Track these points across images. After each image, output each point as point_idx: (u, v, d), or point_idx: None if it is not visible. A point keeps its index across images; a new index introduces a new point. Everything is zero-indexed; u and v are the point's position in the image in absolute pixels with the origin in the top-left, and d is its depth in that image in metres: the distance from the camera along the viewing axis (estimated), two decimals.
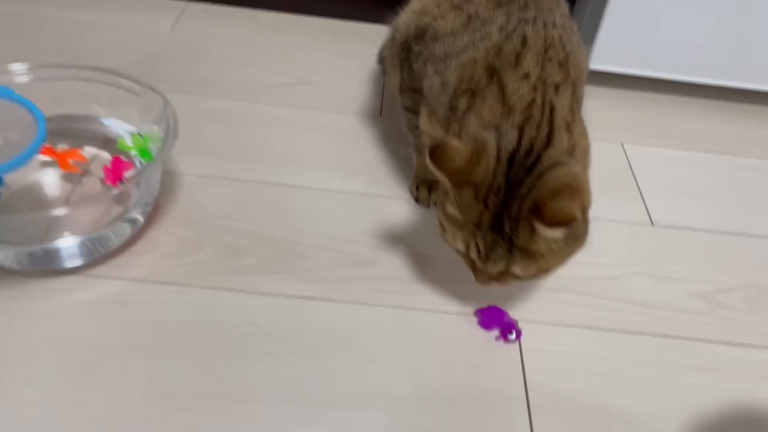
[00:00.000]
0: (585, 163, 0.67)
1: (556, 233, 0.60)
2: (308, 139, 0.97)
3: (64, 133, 0.81)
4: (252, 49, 1.16)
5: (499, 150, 0.63)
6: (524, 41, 0.68)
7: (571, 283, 0.80)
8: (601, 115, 1.09)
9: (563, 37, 0.71)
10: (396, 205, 0.88)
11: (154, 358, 0.66)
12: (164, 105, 0.76)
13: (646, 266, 0.84)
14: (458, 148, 0.62)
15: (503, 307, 0.75)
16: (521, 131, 0.63)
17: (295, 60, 1.15)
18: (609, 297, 0.79)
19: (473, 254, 0.65)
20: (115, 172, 0.77)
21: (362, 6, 1.28)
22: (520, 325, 0.73)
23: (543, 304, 0.77)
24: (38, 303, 0.70)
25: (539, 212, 0.59)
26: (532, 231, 0.60)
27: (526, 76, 0.66)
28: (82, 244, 0.72)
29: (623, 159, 1.02)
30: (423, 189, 0.88)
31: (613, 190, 0.96)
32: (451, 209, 0.64)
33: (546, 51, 0.68)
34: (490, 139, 0.63)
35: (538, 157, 0.62)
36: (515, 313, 0.75)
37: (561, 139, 0.64)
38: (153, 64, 1.08)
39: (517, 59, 0.67)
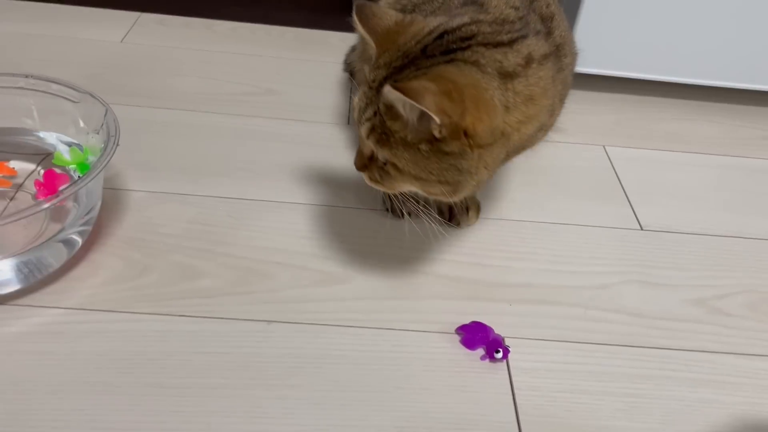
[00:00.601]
0: (516, 107, 0.58)
1: (399, 103, 0.53)
2: (271, 150, 0.90)
3: None
4: (209, 59, 1.09)
5: (438, 26, 0.58)
6: None
7: (558, 294, 0.73)
8: (580, 118, 1.05)
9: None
10: (366, 217, 0.81)
11: (92, 396, 0.57)
12: (105, 112, 0.69)
13: (637, 273, 0.78)
14: (388, 11, 0.60)
15: (487, 323, 0.68)
16: (475, 22, 0.59)
17: (257, 69, 1.08)
18: (600, 308, 0.73)
19: (356, 113, 0.61)
20: (48, 186, 0.69)
21: (325, 14, 1.22)
22: (507, 342, 0.67)
23: (530, 318, 0.70)
24: None
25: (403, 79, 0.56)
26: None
27: (515, 7, 0.61)
28: (17, 268, 0.64)
29: (606, 162, 0.96)
30: (396, 199, 0.81)
31: (598, 194, 0.90)
32: (366, 68, 0.60)
33: (532, 3, 0.64)
34: (439, 18, 0.59)
35: (468, 47, 0.57)
36: (500, 329, 0.68)
37: (507, 56, 0.58)
38: (101, 76, 1.00)
39: None
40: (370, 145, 0.60)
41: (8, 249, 0.64)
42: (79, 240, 0.68)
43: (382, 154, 0.59)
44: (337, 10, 1.21)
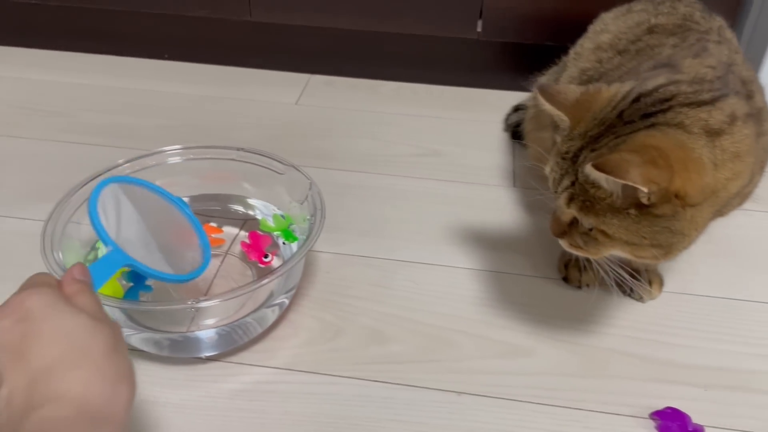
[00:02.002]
0: (724, 164, 0.57)
1: (602, 180, 0.55)
2: (441, 213, 0.93)
3: (206, 213, 0.81)
4: (376, 119, 1.15)
5: (631, 90, 0.59)
6: (705, 48, 0.64)
7: (757, 381, 0.70)
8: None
9: (745, 64, 0.66)
10: (543, 286, 0.82)
11: None
12: (309, 185, 0.74)
13: None
14: (569, 86, 0.61)
15: (681, 408, 0.66)
16: (673, 83, 0.58)
17: (420, 130, 1.12)
18: None
19: (550, 182, 0.62)
20: (255, 247, 0.75)
21: (482, 72, 1.25)
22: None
23: (726, 407, 0.67)
24: (179, 391, 0.67)
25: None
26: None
27: (712, 66, 0.61)
28: (224, 332, 0.70)
29: None
30: (573, 267, 0.81)
31: None
32: (557, 137, 0.61)
33: (730, 65, 0.63)
34: (629, 82, 0.60)
35: (669, 109, 0.57)
36: (696, 417, 0.65)
37: (712, 114, 0.57)
38: (281, 137, 1.08)
39: (697, 55, 0.63)
40: (571, 213, 0.61)
41: (222, 312, 0.70)
42: (286, 303, 0.73)
43: (587, 221, 0.60)
44: (493, 69, 1.24)
